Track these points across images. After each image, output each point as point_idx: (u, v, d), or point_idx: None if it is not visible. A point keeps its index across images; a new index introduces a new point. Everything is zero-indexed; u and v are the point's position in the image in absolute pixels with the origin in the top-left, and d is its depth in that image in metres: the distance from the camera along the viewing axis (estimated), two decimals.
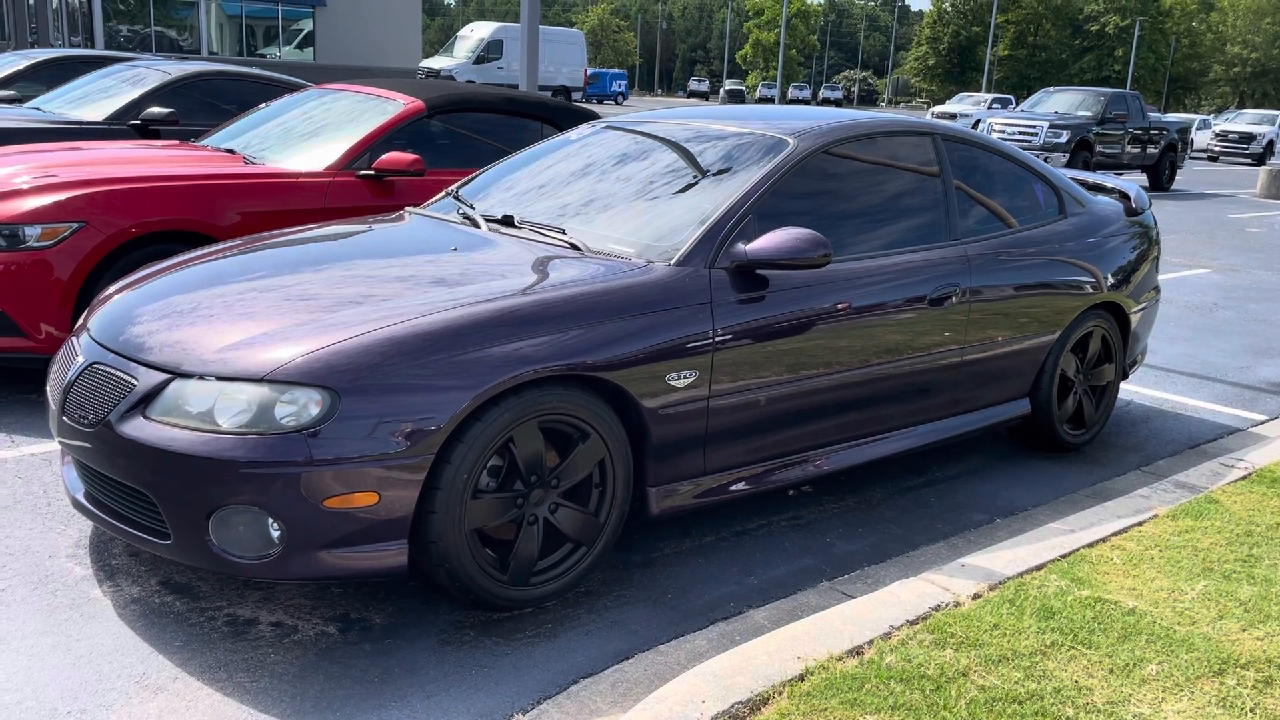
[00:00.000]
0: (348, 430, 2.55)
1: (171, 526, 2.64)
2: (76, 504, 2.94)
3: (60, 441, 2.94)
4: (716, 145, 3.81)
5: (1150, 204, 5.12)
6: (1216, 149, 31.56)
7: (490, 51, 35.78)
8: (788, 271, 3.34)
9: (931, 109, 38.39)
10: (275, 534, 2.58)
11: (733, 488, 3.33)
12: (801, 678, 2.46)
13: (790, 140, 3.68)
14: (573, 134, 4.39)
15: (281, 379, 2.58)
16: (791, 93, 79.61)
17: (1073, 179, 5.01)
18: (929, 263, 3.82)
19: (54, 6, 33.03)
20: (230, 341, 2.73)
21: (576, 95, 38.56)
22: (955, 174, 4.10)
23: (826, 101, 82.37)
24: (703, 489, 3.26)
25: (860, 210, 3.78)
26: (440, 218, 3.86)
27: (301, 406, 2.56)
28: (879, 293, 3.62)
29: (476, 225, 3.66)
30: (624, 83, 56.41)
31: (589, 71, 43.33)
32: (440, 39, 77.78)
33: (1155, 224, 5.06)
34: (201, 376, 2.65)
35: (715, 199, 3.45)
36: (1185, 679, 2.56)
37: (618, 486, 3.03)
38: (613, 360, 2.91)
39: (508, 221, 3.62)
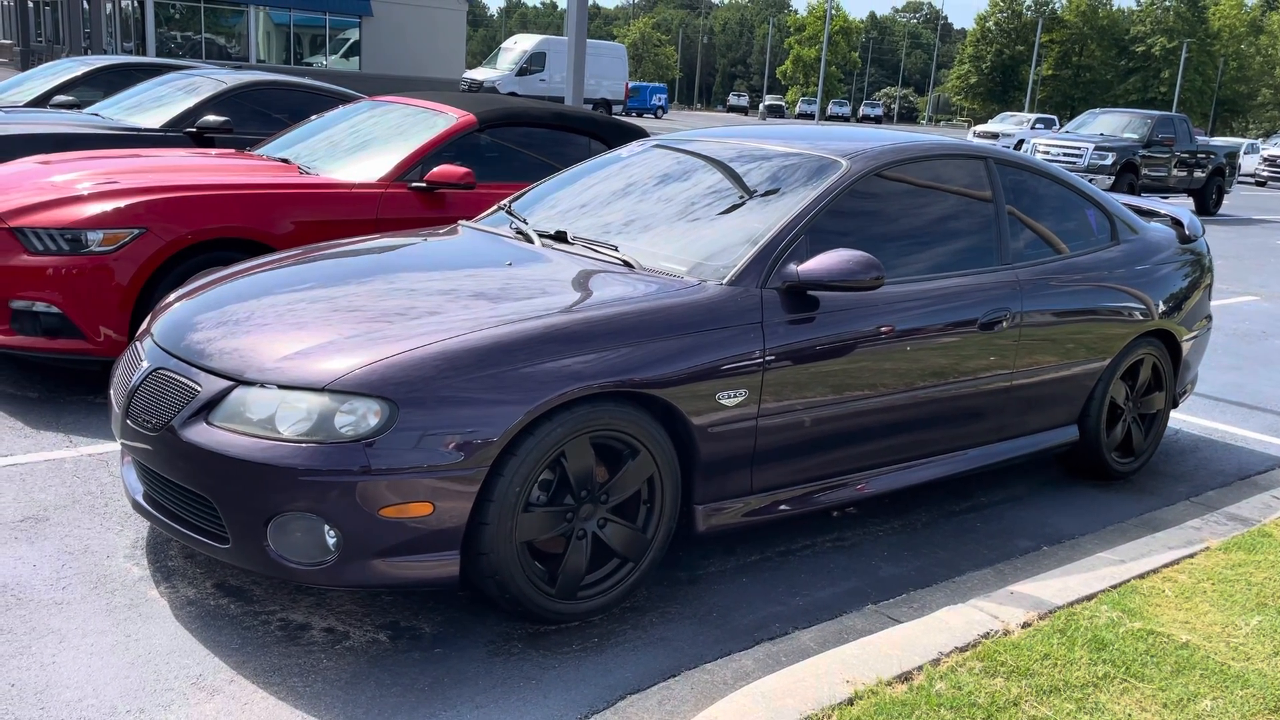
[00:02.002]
0: (405, 441, 2.59)
1: (230, 531, 2.69)
2: (136, 505, 3.00)
3: (122, 443, 3.01)
4: (766, 165, 3.83)
5: (1203, 231, 5.06)
6: (1264, 174, 31.07)
7: (533, 63, 36.07)
8: (839, 293, 3.34)
9: (973, 128, 38.11)
10: (331, 541, 2.62)
11: (779, 507, 3.33)
12: (850, 702, 2.45)
13: (843, 162, 3.69)
14: (623, 151, 4.43)
15: (342, 389, 2.63)
16: (831, 109, 79.49)
17: (1126, 204, 4.97)
18: (980, 287, 3.80)
19: (107, 13, 33.77)
20: (291, 351, 2.79)
21: (617, 108, 38.75)
22: (1007, 198, 4.08)
23: (866, 119, 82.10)
24: (749, 508, 3.26)
25: (911, 233, 3.78)
26: (493, 232, 3.91)
27: (360, 416, 2.60)
28: (929, 316, 3.61)
29: (530, 240, 3.70)
30: (664, 96, 56.61)
31: (629, 85, 43.51)
32: (483, 50, 78.55)
33: (1208, 251, 5.01)
34: (263, 384, 2.71)
35: (767, 219, 3.46)
36: (1240, 715, 2.52)
37: (666, 503, 3.04)
38: (663, 378, 2.93)
39: (560, 237, 3.66)
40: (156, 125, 7.13)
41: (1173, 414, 5.42)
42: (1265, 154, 31.69)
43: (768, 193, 3.65)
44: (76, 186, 4.67)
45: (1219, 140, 25.03)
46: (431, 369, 2.68)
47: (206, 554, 2.81)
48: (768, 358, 3.15)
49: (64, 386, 4.74)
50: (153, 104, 7.60)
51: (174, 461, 2.76)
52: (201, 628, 2.80)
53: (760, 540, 3.62)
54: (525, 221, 3.91)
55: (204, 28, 34.74)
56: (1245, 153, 31.71)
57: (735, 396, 3.09)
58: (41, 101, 8.97)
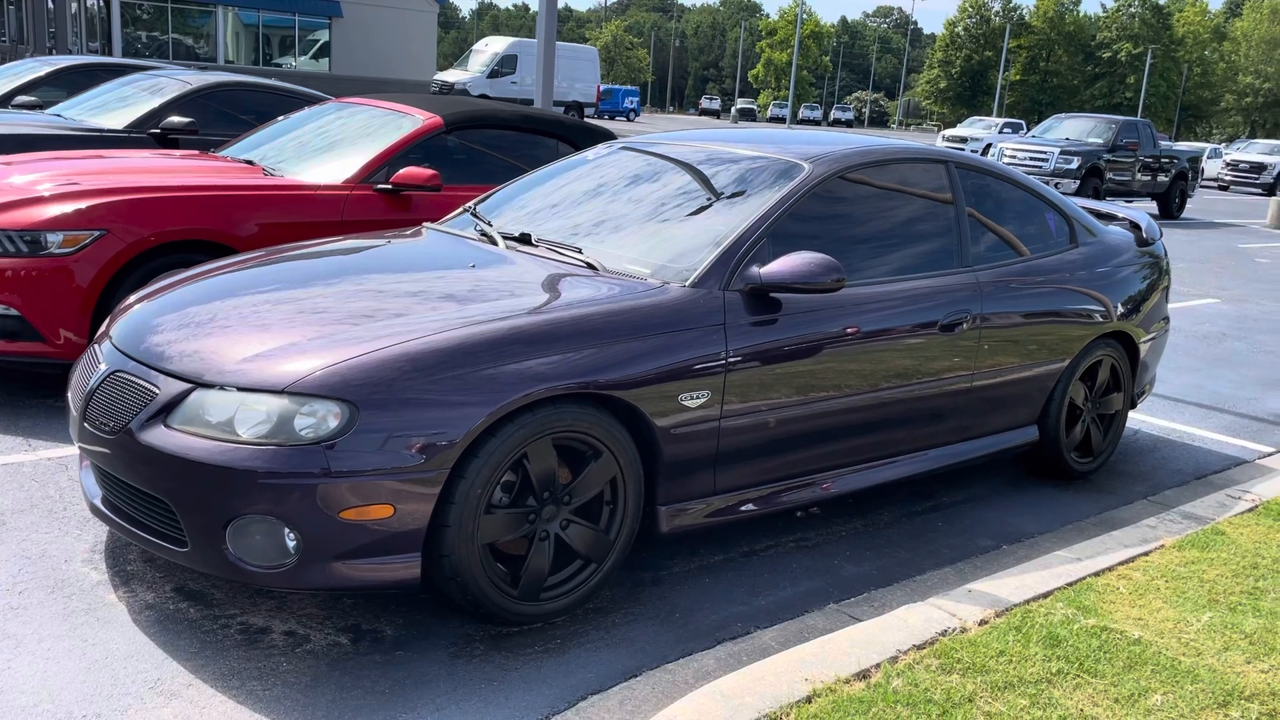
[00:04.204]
0: (365, 443, 2.59)
1: (189, 534, 2.67)
2: (94, 509, 2.97)
3: (80, 447, 2.98)
4: (731, 168, 3.85)
5: (1161, 234, 5.15)
6: (1227, 178, 31.58)
7: (504, 66, 35.99)
8: (801, 295, 3.37)
9: (942, 132, 38.49)
10: (291, 544, 2.61)
11: (742, 508, 3.36)
12: (809, 699, 2.48)
13: (806, 165, 3.72)
14: (589, 154, 4.44)
15: (301, 391, 2.62)
16: (803, 113, 79.98)
17: (1084, 208, 5.04)
18: (941, 289, 3.85)
19: (73, 12, 33.33)
20: (251, 353, 2.77)
21: (589, 111, 38.74)
22: (968, 201, 4.14)
23: (838, 122, 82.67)
24: (712, 509, 3.28)
25: (873, 235, 3.82)
26: (458, 234, 3.91)
27: (320, 419, 2.60)
28: (890, 318, 3.65)
29: (494, 243, 3.71)
30: (636, 99, 56.75)
31: (601, 88, 43.53)
32: (454, 52, 78.29)
33: (1166, 254, 5.09)
34: (222, 387, 2.69)
35: (730, 222, 3.49)
36: (1190, 710, 2.57)
37: (629, 504, 3.06)
38: (626, 379, 2.95)
39: (525, 239, 3.66)
40: (120, 126, 7.06)
41: (1133, 414, 5.50)
42: (1228, 159, 32.21)
43: (732, 195, 3.67)
44: (37, 187, 4.62)
45: (1182, 145, 25.40)
46: (393, 370, 2.67)
47: (165, 558, 2.80)
48: (730, 359, 3.18)
49: (22, 390, 4.69)
50: (117, 104, 7.52)
51: (132, 465, 2.74)
52: (160, 632, 2.78)
53: (724, 540, 3.65)
54: (490, 224, 3.91)
55: (171, 28, 34.35)
56: (1208, 157, 32.22)
57: (698, 398, 3.10)
58: (3, 101, 8.86)
